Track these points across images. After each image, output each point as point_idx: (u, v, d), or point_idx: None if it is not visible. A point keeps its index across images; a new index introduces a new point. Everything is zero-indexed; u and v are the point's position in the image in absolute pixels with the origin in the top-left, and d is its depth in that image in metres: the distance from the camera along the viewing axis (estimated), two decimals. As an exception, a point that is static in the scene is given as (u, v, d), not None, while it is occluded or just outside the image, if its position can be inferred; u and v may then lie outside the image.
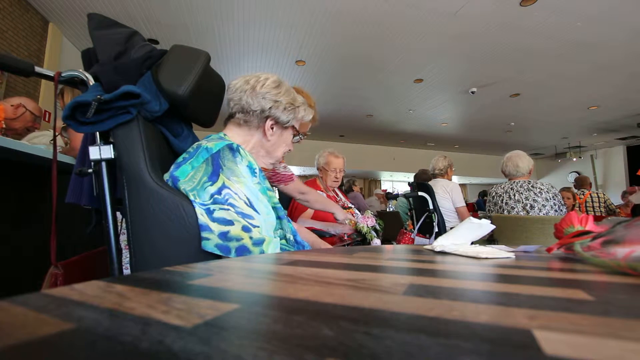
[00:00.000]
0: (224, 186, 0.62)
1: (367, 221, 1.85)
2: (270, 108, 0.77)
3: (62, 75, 0.65)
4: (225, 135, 0.79)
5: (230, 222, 0.59)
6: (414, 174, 3.80)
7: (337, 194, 2.16)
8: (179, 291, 0.23)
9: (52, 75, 0.65)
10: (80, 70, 0.66)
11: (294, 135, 0.88)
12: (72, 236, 1.14)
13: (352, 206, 2.14)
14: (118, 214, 0.65)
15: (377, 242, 1.80)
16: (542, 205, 1.97)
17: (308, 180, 2.14)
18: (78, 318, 0.16)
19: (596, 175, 9.83)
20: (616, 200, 4.32)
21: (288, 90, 0.81)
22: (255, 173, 0.69)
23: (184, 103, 0.68)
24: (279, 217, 0.73)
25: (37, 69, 0.64)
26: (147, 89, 0.64)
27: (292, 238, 0.74)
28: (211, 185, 0.61)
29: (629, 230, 0.35)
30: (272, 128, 0.80)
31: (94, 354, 0.12)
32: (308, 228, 1.58)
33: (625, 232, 0.36)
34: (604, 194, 3.90)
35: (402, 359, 0.12)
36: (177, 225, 0.58)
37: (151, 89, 0.65)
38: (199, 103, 0.76)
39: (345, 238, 1.73)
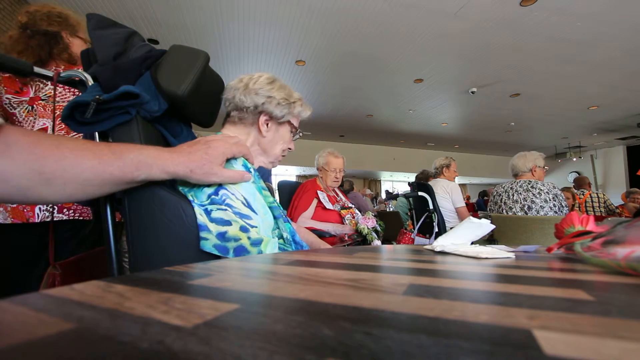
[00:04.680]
0: (220, 187, 0.62)
1: (367, 222, 1.85)
2: (263, 103, 0.77)
3: (61, 75, 0.65)
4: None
5: (228, 223, 0.59)
6: (414, 174, 3.80)
7: (337, 194, 2.16)
8: (179, 291, 0.23)
9: (51, 75, 0.65)
10: (79, 70, 0.66)
11: (293, 133, 0.86)
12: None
13: (352, 206, 2.14)
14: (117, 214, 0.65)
15: (377, 243, 1.80)
16: (541, 206, 1.97)
17: (308, 180, 2.14)
18: (78, 318, 0.16)
19: (596, 175, 9.84)
20: (616, 200, 4.32)
21: (283, 87, 0.80)
22: (251, 172, 0.69)
23: (183, 103, 0.68)
24: (275, 217, 0.72)
25: (36, 69, 0.64)
26: (146, 89, 0.64)
27: (289, 237, 0.74)
28: (208, 186, 0.61)
29: (629, 230, 0.35)
30: (266, 124, 0.80)
31: (94, 354, 0.12)
32: (308, 228, 1.58)
33: (626, 233, 0.36)
34: (603, 194, 3.90)
35: (402, 359, 0.12)
36: (176, 225, 0.58)
37: (150, 89, 0.65)
38: (198, 103, 0.76)
39: (346, 238, 1.73)
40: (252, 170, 0.70)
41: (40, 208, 0.99)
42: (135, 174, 0.50)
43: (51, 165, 0.42)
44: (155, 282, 0.25)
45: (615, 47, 3.93)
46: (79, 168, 0.44)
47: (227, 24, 3.58)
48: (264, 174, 2.11)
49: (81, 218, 1.04)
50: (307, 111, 0.86)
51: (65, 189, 0.44)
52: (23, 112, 1.04)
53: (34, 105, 1.04)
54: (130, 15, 3.36)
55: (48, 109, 1.05)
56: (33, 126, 1.04)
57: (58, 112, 1.06)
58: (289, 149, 0.89)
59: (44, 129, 1.05)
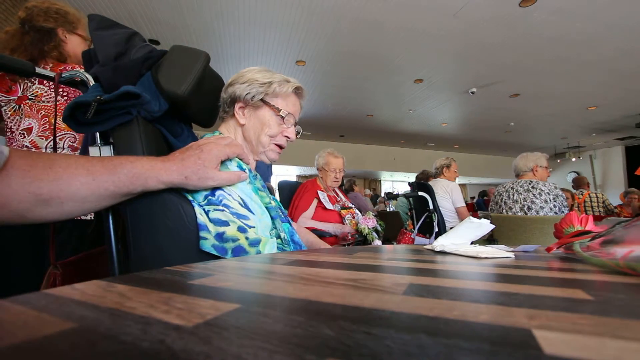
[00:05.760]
0: (217, 187, 0.61)
1: (368, 222, 1.85)
2: (234, 91, 0.75)
3: (62, 75, 0.65)
4: (220, 134, 0.79)
5: (225, 223, 0.58)
6: (414, 174, 3.80)
7: (337, 194, 2.16)
8: (180, 291, 0.23)
9: (53, 75, 0.66)
10: (81, 70, 0.66)
11: (279, 116, 0.77)
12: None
13: (353, 206, 2.14)
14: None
15: (378, 242, 1.80)
16: (541, 207, 1.96)
17: (308, 180, 2.14)
18: (79, 318, 0.16)
19: (595, 175, 9.85)
20: (614, 200, 4.33)
21: (260, 71, 0.77)
22: (246, 173, 0.69)
23: (183, 103, 0.68)
24: (272, 217, 0.71)
25: (38, 69, 0.64)
26: (147, 89, 0.64)
27: (287, 238, 0.73)
28: None
29: (628, 230, 0.35)
30: (242, 112, 0.77)
31: (94, 353, 0.12)
32: (308, 228, 1.58)
33: (625, 232, 0.36)
34: (602, 194, 3.91)
35: (402, 359, 0.12)
36: (176, 225, 0.58)
37: (151, 89, 0.65)
38: (199, 103, 0.76)
39: (349, 238, 1.74)
40: (247, 170, 0.70)
41: None
42: (131, 188, 0.50)
43: (47, 187, 0.42)
44: (155, 282, 0.25)
45: (615, 48, 3.93)
46: (74, 187, 0.45)
47: (227, 24, 3.58)
48: (264, 174, 2.10)
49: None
50: (289, 87, 0.77)
51: (63, 208, 0.45)
52: (9, 111, 1.03)
53: (21, 105, 1.04)
54: (131, 16, 3.36)
55: (34, 109, 1.05)
56: (19, 125, 1.04)
57: (44, 113, 1.05)
58: (287, 137, 0.80)
59: (29, 129, 1.04)
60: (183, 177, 0.55)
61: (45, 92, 1.06)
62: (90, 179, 0.46)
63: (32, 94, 1.05)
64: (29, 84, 1.05)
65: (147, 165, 0.52)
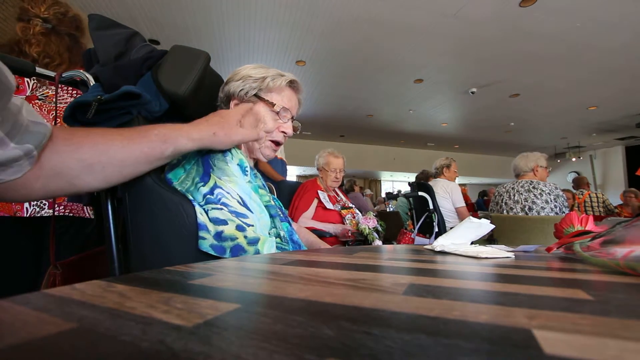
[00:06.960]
0: (215, 186, 0.61)
1: (369, 222, 1.85)
2: (229, 88, 0.76)
3: (63, 75, 0.65)
4: None
5: (224, 222, 0.58)
6: (414, 174, 3.81)
7: (337, 194, 2.16)
8: (180, 291, 0.23)
9: (53, 75, 0.66)
10: (81, 70, 0.67)
11: (273, 111, 0.75)
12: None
13: (353, 206, 2.14)
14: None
15: (378, 242, 1.80)
16: (541, 207, 1.96)
17: (308, 180, 2.14)
18: (79, 318, 0.16)
19: (595, 175, 9.84)
20: (614, 200, 4.34)
21: (255, 67, 0.77)
22: (247, 171, 0.68)
23: (183, 103, 0.68)
24: (271, 216, 0.71)
25: (38, 69, 0.64)
26: (147, 89, 0.64)
27: (286, 236, 0.73)
28: (203, 185, 0.61)
29: (628, 230, 0.35)
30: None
31: (94, 353, 0.12)
32: (308, 228, 1.58)
33: (625, 232, 0.36)
34: (602, 194, 3.91)
35: (402, 359, 0.12)
36: (176, 224, 0.58)
37: (151, 89, 0.65)
38: (199, 103, 0.77)
39: (349, 235, 1.74)
40: (247, 169, 0.70)
41: (29, 203, 0.97)
42: (163, 148, 0.52)
43: (88, 152, 0.46)
44: (155, 282, 0.25)
45: (615, 48, 3.93)
46: (112, 150, 0.48)
47: (228, 25, 3.58)
48: (281, 173, 2.08)
49: (71, 214, 1.02)
50: (282, 80, 0.76)
51: (105, 173, 0.48)
52: None
53: (30, 105, 1.04)
54: (132, 16, 3.36)
55: (45, 109, 1.05)
56: None
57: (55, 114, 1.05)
58: (284, 133, 0.78)
59: None
60: (211, 133, 0.59)
61: (59, 94, 1.06)
62: (126, 142, 0.49)
63: (43, 94, 1.05)
64: (39, 84, 1.05)
65: (176, 127, 0.55)
